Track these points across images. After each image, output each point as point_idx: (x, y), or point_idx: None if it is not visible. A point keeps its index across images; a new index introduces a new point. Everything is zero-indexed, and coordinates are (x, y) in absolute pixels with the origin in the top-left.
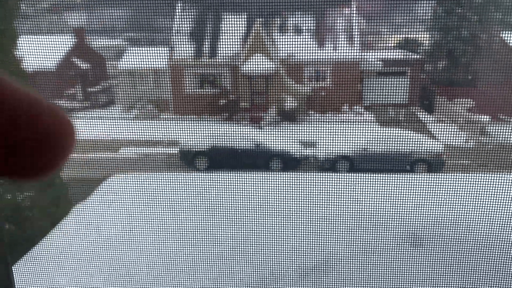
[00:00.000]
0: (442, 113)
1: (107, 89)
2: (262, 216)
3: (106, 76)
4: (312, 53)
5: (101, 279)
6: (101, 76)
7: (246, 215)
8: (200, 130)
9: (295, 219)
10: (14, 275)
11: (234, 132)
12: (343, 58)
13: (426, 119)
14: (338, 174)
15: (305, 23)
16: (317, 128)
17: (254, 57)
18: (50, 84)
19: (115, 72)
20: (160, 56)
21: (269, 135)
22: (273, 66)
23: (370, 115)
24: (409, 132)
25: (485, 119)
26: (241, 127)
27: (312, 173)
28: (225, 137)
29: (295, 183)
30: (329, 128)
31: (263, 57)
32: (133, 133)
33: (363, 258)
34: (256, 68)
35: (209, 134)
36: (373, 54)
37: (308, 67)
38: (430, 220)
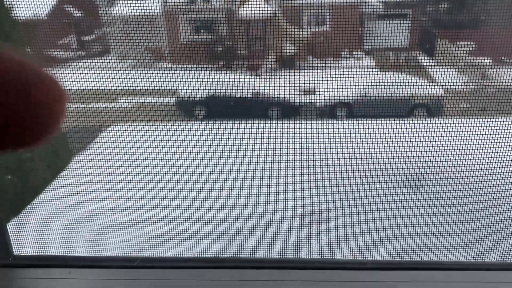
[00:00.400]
0: (443, 57)
1: (101, 37)
2: (260, 163)
3: (100, 24)
4: None
5: (102, 228)
6: (95, 24)
7: (245, 162)
8: (197, 78)
9: (294, 166)
10: (15, 229)
11: (232, 80)
12: (343, 0)
13: (426, 63)
14: (337, 121)
15: None
16: (316, 74)
17: (251, 1)
18: (43, 33)
19: (109, 19)
20: (153, 1)
21: (267, 83)
22: (271, 10)
23: (370, 60)
24: (409, 76)
25: (486, 62)
26: (239, 75)
27: (311, 121)
28: (223, 86)
29: (294, 131)
30: (329, 74)
31: (260, 1)
32: (130, 82)
33: (362, 204)
34: (253, 13)
35: (207, 83)
36: None
37: (306, 10)
38: (430, 164)
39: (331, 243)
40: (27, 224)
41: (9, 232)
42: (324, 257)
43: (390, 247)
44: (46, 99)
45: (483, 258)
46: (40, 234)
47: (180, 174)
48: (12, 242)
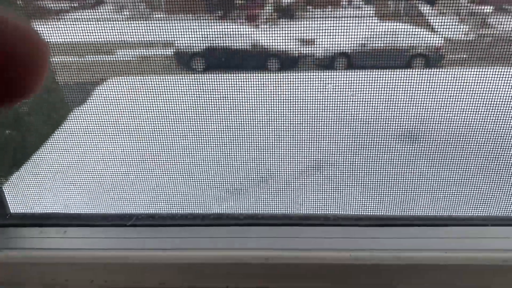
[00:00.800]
0: (444, 5)
1: None
2: (260, 116)
3: None
4: None
5: (99, 184)
6: None
7: (244, 115)
8: (194, 29)
9: (294, 118)
10: (12, 186)
11: (230, 31)
12: None
13: (427, 11)
14: (336, 72)
15: None
16: (316, 24)
17: None
18: None
19: None
20: None
21: (266, 34)
22: None
23: (369, 9)
24: (409, 26)
25: (487, 10)
26: (237, 26)
27: (310, 72)
28: (221, 37)
29: (293, 82)
30: (328, 24)
31: None
32: (126, 34)
33: (361, 154)
34: None
35: (204, 34)
36: None
37: None
38: (429, 115)
39: (327, 198)
40: (24, 180)
41: (5, 190)
42: (319, 213)
43: (386, 201)
44: (29, 54)
45: (479, 212)
46: (37, 191)
47: (179, 128)
48: (8, 200)
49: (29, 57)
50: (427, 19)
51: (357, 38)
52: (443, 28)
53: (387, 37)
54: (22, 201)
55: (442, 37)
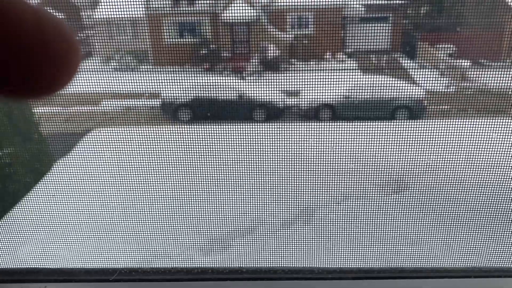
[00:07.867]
0: (424, 59)
1: (83, 40)
2: (246, 165)
3: (82, 27)
4: None
5: (86, 235)
6: (76, 27)
7: (231, 165)
8: (181, 81)
9: (279, 168)
10: None
11: (216, 83)
12: (325, 3)
13: (408, 65)
14: (321, 123)
15: None
16: (300, 77)
17: (234, 4)
18: None
19: (91, 22)
20: (136, 4)
21: (252, 85)
22: (255, 13)
23: (352, 62)
24: (391, 78)
25: (466, 64)
26: (223, 78)
27: (295, 123)
28: (207, 88)
29: (279, 133)
30: (312, 77)
31: (244, 4)
32: (113, 85)
33: (345, 206)
34: (237, 16)
35: (191, 85)
36: None
37: (290, 13)
38: (413, 166)
39: (312, 250)
40: (2, 234)
41: None
42: (303, 266)
43: (369, 252)
44: (63, 50)
45: (464, 264)
46: (16, 245)
47: (164, 180)
48: None
49: (62, 53)
50: (409, 72)
51: (340, 90)
52: (424, 81)
53: (369, 90)
54: (0, 256)
55: (423, 90)
